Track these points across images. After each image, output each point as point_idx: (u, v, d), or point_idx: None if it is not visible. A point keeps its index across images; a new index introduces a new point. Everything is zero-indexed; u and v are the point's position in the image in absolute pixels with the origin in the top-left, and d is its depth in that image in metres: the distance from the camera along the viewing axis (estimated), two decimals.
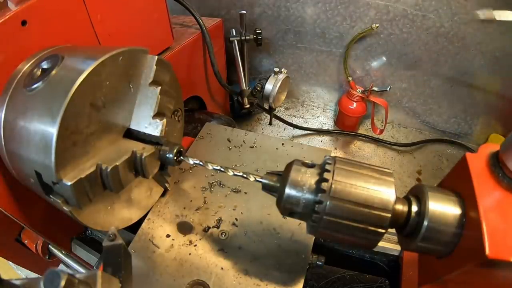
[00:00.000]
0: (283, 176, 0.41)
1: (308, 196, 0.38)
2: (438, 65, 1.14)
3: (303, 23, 1.20)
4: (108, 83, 0.46)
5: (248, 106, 1.13)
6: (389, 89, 1.17)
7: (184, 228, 0.60)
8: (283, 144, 0.74)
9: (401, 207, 0.38)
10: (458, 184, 0.38)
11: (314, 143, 1.33)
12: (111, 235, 0.34)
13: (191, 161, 0.51)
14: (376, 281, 0.61)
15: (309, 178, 0.39)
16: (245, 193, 0.65)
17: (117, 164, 0.46)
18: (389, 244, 0.62)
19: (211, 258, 0.55)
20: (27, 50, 0.50)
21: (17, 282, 0.25)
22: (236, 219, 0.60)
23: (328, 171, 0.37)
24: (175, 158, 0.53)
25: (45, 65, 0.47)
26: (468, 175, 0.35)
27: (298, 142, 1.10)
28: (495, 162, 0.35)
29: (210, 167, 0.49)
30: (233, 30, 1.08)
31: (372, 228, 0.36)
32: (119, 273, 0.32)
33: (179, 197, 0.65)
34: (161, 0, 0.76)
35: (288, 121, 1.30)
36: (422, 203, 0.37)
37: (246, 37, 1.08)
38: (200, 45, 0.96)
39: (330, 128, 1.37)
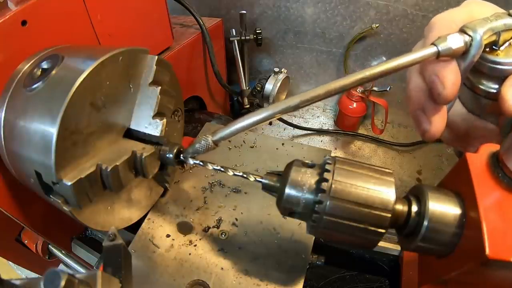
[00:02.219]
0: (283, 176, 0.41)
1: (308, 196, 0.38)
2: None
3: (303, 23, 1.20)
4: (108, 83, 0.46)
5: (248, 106, 1.13)
6: (389, 89, 1.17)
7: (184, 228, 0.60)
8: (283, 144, 0.74)
9: (401, 207, 0.38)
10: (458, 184, 0.38)
11: (314, 143, 1.33)
12: (111, 235, 0.34)
13: (191, 161, 0.51)
14: (376, 281, 0.61)
15: (309, 178, 0.39)
16: (245, 193, 0.65)
17: (117, 164, 0.46)
18: (389, 244, 0.62)
19: (211, 258, 0.55)
20: (27, 50, 0.50)
21: (17, 282, 0.25)
22: (236, 219, 0.60)
23: (328, 171, 0.37)
24: (175, 158, 0.53)
25: (45, 65, 0.47)
26: (468, 175, 0.35)
27: (298, 142, 1.10)
28: (495, 162, 0.35)
29: (210, 167, 0.49)
30: (233, 30, 1.08)
31: (372, 228, 0.36)
32: (119, 273, 0.32)
33: (179, 197, 0.65)
34: (161, 0, 0.76)
35: (288, 121, 1.30)
36: (422, 203, 0.37)
37: (246, 37, 1.08)
38: (200, 45, 0.96)
39: (330, 128, 1.37)
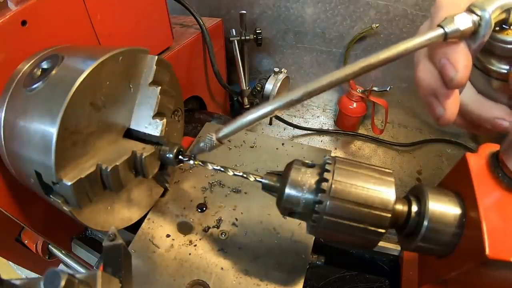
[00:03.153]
0: (283, 176, 0.41)
1: (308, 196, 0.38)
2: None
3: (303, 23, 1.20)
4: (108, 83, 0.46)
5: (248, 106, 1.13)
6: (389, 89, 1.17)
7: (184, 228, 0.60)
8: (283, 144, 0.74)
9: (401, 207, 0.38)
10: (458, 184, 0.38)
11: (314, 143, 1.33)
12: (111, 235, 0.34)
13: (191, 161, 0.51)
14: (376, 281, 0.61)
15: (309, 178, 0.39)
16: (245, 193, 0.65)
17: (117, 164, 0.47)
18: (389, 244, 0.62)
19: (211, 258, 0.55)
20: (27, 50, 0.50)
21: (17, 282, 0.25)
22: (236, 219, 0.60)
23: (328, 171, 0.37)
24: (175, 158, 0.53)
25: (45, 65, 0.47)
26: (468, 175, 0.35)
27: (298, 142, 1.10)
28: (495, 162, 0.35)
29: (210, 167, 0.49)
30: (233, 30, 1.08)
31: (372, 228, 0.36)
32: (119, 273, 0.32)
33: (179, 197, 0.65)
34: (161, 0, 0.76)
35: (288, 121, 1.30)
36: (422, 203, 0.37)
37: (246, 37, 1.08)
38: (200, 45, 0.96)
39: (330, 128, 1.37)
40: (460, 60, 0.31)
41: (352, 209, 0.36)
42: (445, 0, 0.34)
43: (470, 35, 0.31)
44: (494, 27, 0.31)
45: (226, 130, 0.40)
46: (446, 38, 0.30)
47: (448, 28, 0.30)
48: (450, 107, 0.34)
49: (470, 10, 0.31)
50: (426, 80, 0.35)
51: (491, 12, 0.30)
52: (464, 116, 0.40)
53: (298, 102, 0.34)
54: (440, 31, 0.30)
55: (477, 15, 0.30)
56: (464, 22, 0.30)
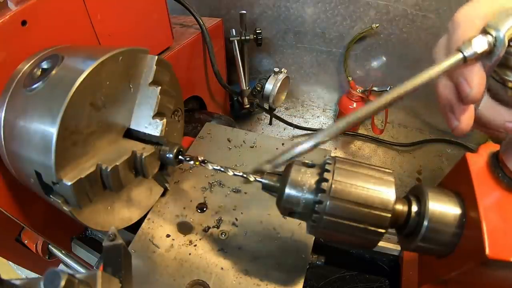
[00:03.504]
0: (283, 176, 0.41)
1: (308, 196, 0.38)
2: None
3: (303, 23, 1.20)
4: (108, 83, 0.46)
5: (248, 106, 1.13)
6: (389, 89, 1.16)
7: (184, 228, 0.60)
8: (283, 144, 0.74)
9: (401, 207, 0.38)
10: (458, 184, 0.38)
11: None
12: (111, 235, 0.34)
13: (191, 161, 0.51)
14: (376, 281, 0.61)
15: (309, 178, 0.39)
16: (245, 193, 0.65)
17: (117, 164, 0.47)
18: (389, 244, 0.62)
19: (211, 258, 0.55)
20: (27, 50, 0.50)
21: (17, 282, 0.25)
22: (236, 219, 0.60)
23: (328, 171, 0.37)
24: (175, 158, 0.53)
25: (45, 65, 0.47)
26: (468, 175, 0.35)
27: (298, 142, 1.09)
28: (495, 162, 0.35)
29: (210, 167, 0.49)
30: (233, 30, 1.08)
31: (372, 228, 0.36)
32: (119, 273, 0.32)
33: (179, 197, 0.65)
34: (161, 0, 0.76)
35: (288, 121, 1.30)
36: (422, 203, 0.37)
37: (246, 37, 1.08)
38: (200, 45, 0.96)
39: None
40: (475, 79, 0.34)
41: (352, 209, 0.36)
42: (461, 17, 0.37)
43: (486, 55, 0.33)
44: (508, 43, 0.33)
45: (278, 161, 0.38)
46: (465, 61, 0.33)
47: (467, 52, 0.33)
48: (465, 121, 0.38)
49: (485, 31, 0.33)
50: (445, 96, 0.39)
51: (505, 31, 0.32)
52: (476, 120, 0.41)
53: (343, 131, 0.35)
54: (460, 55, 0.33)
55: (491, 35, 0.33)
56: (481, 44, 0.33)
